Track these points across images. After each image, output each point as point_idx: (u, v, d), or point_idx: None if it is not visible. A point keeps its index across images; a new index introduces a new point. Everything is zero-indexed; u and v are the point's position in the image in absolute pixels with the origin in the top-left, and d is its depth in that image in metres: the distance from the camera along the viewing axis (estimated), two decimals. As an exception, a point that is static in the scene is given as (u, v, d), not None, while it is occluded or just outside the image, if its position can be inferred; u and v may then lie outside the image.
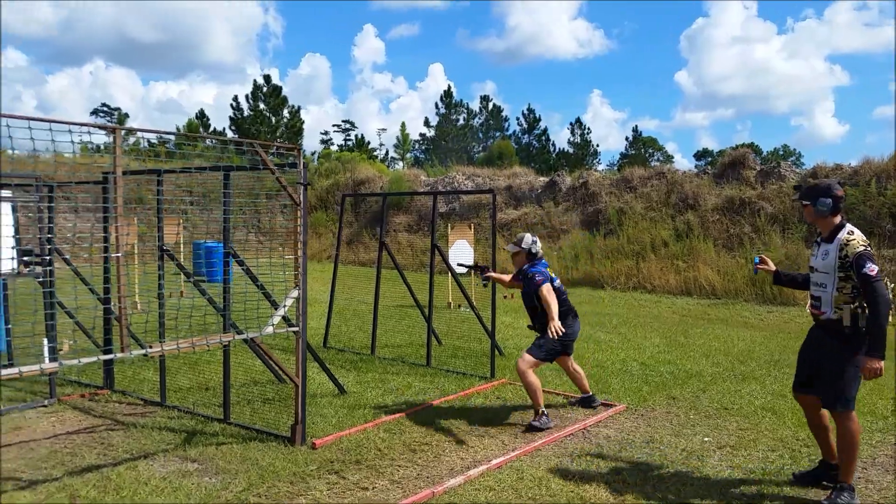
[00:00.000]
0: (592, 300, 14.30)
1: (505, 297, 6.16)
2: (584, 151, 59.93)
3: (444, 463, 4.68)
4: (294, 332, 5.11)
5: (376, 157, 51.28)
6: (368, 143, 57.81)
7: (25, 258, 6.40)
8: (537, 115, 61.12)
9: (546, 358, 5.66)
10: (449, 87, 65.57)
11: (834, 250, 3.96)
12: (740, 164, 18.21)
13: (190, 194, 12.83)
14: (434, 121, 63.18)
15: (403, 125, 58.55)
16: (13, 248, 5.99)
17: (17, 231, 6.42)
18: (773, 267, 4.61)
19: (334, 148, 56.47)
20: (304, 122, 52.95)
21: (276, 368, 6.46)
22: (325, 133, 68.93)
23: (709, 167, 21.55)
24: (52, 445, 4.97)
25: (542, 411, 5.46)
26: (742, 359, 8.35)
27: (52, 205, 6.26)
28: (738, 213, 16.62)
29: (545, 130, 61.64)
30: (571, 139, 61.39)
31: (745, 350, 8.94)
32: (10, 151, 4.09)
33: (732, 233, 16.19)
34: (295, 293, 5.03)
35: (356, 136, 61.30)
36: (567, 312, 5.73)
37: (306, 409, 5.20)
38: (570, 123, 65.14)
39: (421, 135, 64.64)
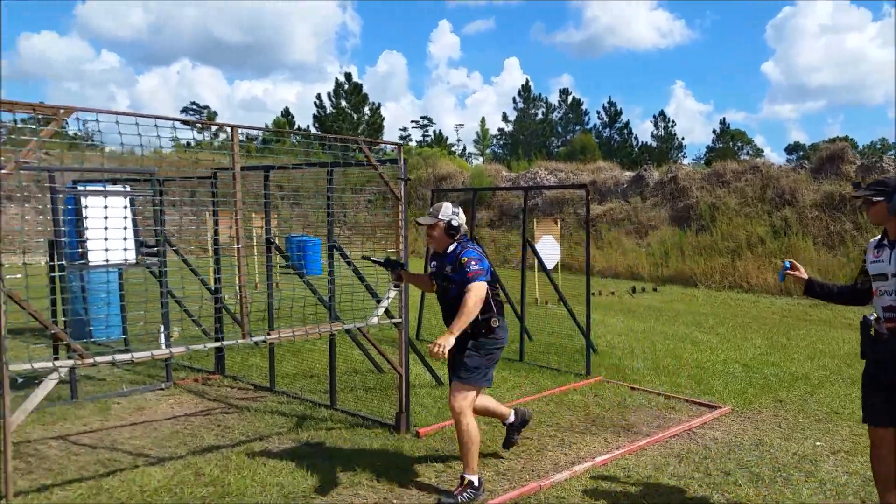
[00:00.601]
0: (686, 298, 13.94)
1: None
2: (668, 145, 58.34)
3: (548, 458, 4.70)
4: (396, 324, 5.23)
5: (454, 152, 51.58)
6: (446, 138, 58.28)
7: (143, 250, 6.82)
8: (618, 109, 59.97)
9: (489, 382, 4.24)
10: (527, 81, 64.80)
11: None
12: (839, 158, 17.37)
13: (281, 189, 13.33)
14: (512, 115, 62.98)
15: (483, 120, 58.67)
16: (132, 239, 6.39)
17: (134, 224, 6.85)
18: (804, 274, 4.03)
19: (413, 144, 57.17)
20: (384, 118, 53.94)
21: (377, 358, 6.64)
22: (404, 129, 69.77)
23: (805, 161, 20.61)
24: (172, 426, 5.28)
25: (475, 480, 4.03)
26: (849, 362, 7.95)
27: (166, 198, 6.63)
28: (838, 209, 15.84)
29: (627, 124, 60.17)
30: (655, 132, 59.91)
31: (851, 353, 8.51)
32: (116, 147, 4.36)
33: (833, 230, 15.44)
34: (399, 286, 5.14)
35: (434, 131, 61.91)
36: (500, 308, 4.31)
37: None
38: (654, 116, 63.43)
39: (499, 129, 64.60)
